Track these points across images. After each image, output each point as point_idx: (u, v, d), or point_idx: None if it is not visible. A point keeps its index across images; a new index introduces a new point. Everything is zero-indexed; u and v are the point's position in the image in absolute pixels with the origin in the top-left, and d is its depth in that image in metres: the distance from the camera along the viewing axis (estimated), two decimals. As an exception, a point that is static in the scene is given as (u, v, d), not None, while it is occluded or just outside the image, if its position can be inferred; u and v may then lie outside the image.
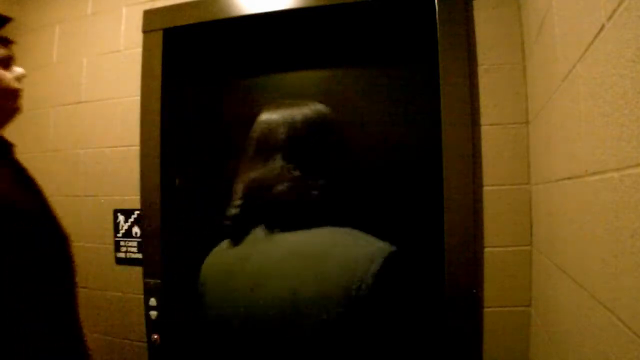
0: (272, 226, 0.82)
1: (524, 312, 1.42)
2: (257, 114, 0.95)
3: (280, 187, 0.79)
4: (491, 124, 1.49)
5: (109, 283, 1.88)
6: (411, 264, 0.73)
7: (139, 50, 1.90)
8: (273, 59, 1.95)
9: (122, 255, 1.86)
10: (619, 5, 0.65)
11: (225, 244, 0.92)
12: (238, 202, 0.84)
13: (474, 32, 1.51)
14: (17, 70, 1.11)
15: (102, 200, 1.65)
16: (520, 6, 1.48)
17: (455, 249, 1.47)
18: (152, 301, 1.79)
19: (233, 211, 0.85)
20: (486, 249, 1.46)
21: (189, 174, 1.99)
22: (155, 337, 1.78)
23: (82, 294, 1.27)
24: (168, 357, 1.80)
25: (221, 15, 1.80)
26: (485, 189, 1.47)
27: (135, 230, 1.85)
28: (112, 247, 1.88)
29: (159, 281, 1.79)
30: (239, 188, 0.84)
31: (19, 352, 0.78)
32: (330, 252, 0.75)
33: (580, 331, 0.89)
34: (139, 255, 1.83)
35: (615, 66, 0.67)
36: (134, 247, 1.85)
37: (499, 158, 1.47)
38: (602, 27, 0.72)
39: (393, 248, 0.76)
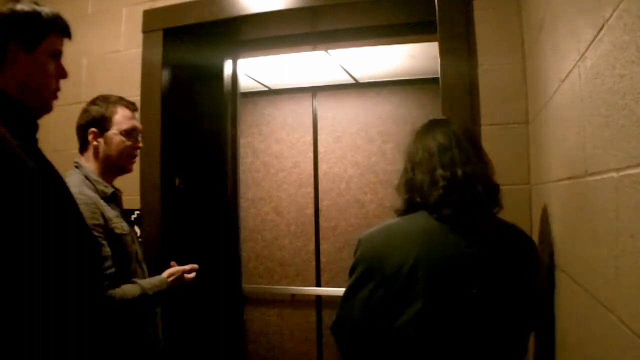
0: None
1: (524, 312, 1.42)
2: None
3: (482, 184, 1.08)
4: (491, 124, 1.48)
5: (109, 283, 1.88)
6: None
7: (139, 50, 1.90)
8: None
9: (122, 255, 1.86)
10: (618, 6, 0.65)
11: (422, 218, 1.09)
12: (441, 190, 1.06)
13: (474, 32, 1.51)
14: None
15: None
16: (520, 6, 1.48)
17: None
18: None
19: (437, 193, 1.06)
20: (486, 249, 1.45)
21: (189, 173, 1.99)
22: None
23: (82, 294, 1.27)
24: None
25: (221, 15, 1.80)
26: (485, 189, 1.47)
27: (135, 230, 1.85)
28: (112, 247, 1.88)
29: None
30: (442, 177, 1.07)
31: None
32: None
33: (580, 331, 0.89)
34: (139, 255, 1.83)
35: (615, 66, 0.67)
36: (134, 247, 1.84)
37: (499, 158, 1.47)
38: (602, 27, 0.72)
39: None
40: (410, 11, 1.71)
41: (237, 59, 2.18)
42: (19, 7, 1.03)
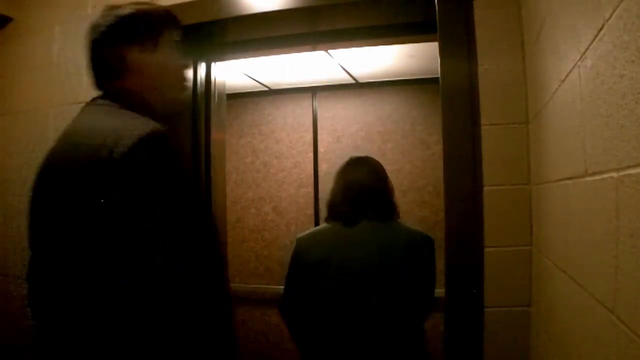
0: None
1: (524, 312, 1.42)
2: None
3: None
4: (491, 124, 1.48)
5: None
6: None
7: (139, 50, 1.90)
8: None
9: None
10: (618, 6, 0.65)
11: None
12: (340, 206, 1.63)
13: (474, 32, 1.51)
14: None
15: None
16: (520, 6, 1.48)
17: (455, 249, 1.47)
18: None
19: (338, 209, 1.63)
20: (486, 249, 1.45)
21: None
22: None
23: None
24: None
25: (220, 15, 1.80)
26: (486, 189, 1.47)
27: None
28: (112, 247, 1.88)
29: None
30: (342, 198, 1.63)
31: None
32: None
33: (580, 331, 0.89)
34: (139, 255, 1.83)
35: (615, 66, 0.67)
36: (134, 247, 1.84)
37: (499, 158, 1.47)
38: (602, 27, 0.72)
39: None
40: (410, 11, 1.71)
41: (239, 58, 2.18)
42: (126, 11, 1.04)
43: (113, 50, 1.04)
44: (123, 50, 1.03)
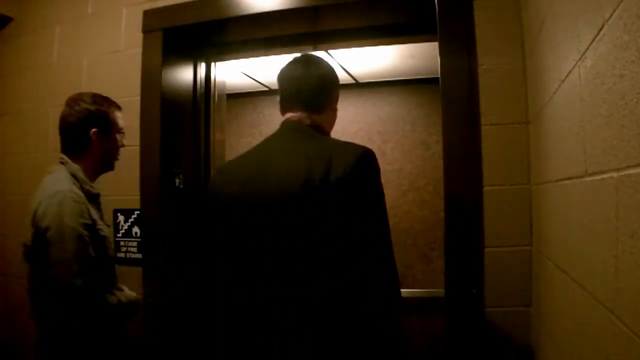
0: None
1: (524, 313, 1.42)
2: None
3: None
4: (491, 124, 1.48)
5: (109, 283, 1.87)
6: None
7: (139, 50, 1.90)
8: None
9: (122, 255, 1.86)
10: (618, 6, 0.65)
11: None
12: None
13: (474, 32, 1.51)
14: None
15: (102, 200, 1.67)
16: (521, 6, 1.48)
17: (455, 249, 1.47)
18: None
19: None
20: (486, 249, 1.45)
21: (189, 172, 1.99)
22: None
23: (82, 294, 1.27)
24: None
25: (220, 15, 1.80)
26: (486, 188, 1.47)
27: (135, 230, 1.85)
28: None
29: (158, 282, 1.79)
30: None
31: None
32: None
33: (580, 331, 0.89)
34: (139, 255, 1.83)
35: (615, 66, 0.67)
36: (134, 247, 1.84)
37: (499, 158, 1.47)
38: (602, 27, 0.72)
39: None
40: (410, 11, 1.71)
41: (238, 58, 2.19)
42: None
43: (333, 87, 1.26)
44: (338, 88, 1.27)
